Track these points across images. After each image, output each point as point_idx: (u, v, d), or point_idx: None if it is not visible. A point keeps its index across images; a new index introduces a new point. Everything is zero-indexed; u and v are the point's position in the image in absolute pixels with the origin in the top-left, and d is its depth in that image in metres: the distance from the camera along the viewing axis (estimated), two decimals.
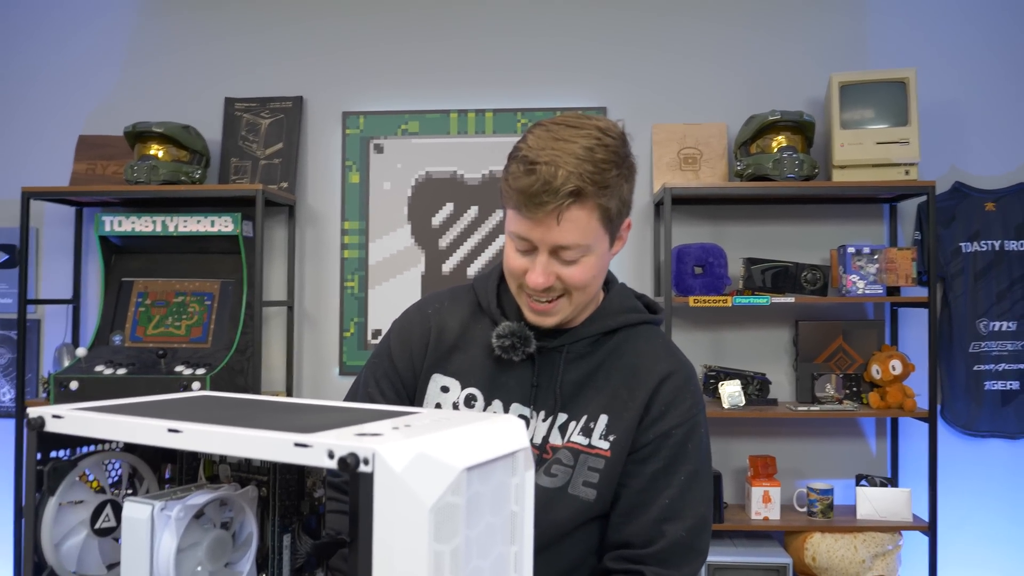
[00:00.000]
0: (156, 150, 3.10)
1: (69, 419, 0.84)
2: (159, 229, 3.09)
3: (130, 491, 0.96)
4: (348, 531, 0.93)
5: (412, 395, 1.34)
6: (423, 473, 0.66)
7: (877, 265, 2.93)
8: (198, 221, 3.08)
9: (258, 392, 2.93)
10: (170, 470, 1.00)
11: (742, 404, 2.92)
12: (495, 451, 0.76)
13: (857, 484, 3.00)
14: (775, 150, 2.93)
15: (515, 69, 3.32)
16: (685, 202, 3.19)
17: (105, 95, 3.46)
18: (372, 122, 3.35)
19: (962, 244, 3.16)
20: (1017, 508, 3.15)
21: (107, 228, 3.11)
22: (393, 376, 1.34)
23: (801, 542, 2.90)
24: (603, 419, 1.25)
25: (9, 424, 3.39)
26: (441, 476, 0.67)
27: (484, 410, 1.29)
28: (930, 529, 2.84)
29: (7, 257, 3.46)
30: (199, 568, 0.85)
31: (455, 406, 1.29)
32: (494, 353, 1.28)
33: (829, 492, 2.93)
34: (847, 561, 2.84)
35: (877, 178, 2.92)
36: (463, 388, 1.30)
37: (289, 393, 3.25)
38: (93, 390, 2.88)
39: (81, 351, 2.97)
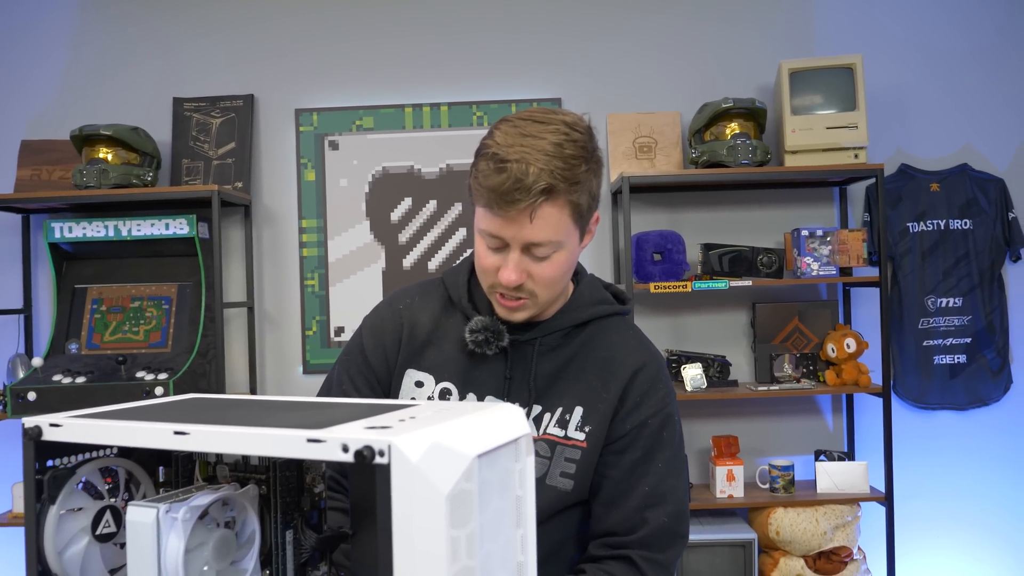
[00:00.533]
0: (105, 153, 3.04)
1: (68, 427, 0.84)
2: (111, 234, 3.04)
3: (126, 496, 0.95)
4: (349, 525, 0.95)
5: (387, 390, 1.35)
6: (438, 462, 0.68)
7: (830, 247, 3.01)
8: (152, 224, 3.03)
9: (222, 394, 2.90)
10: (163, 473, 1.00)
11: (704, 387, 2.99)
12: (500, 438, 0.78)
13: (816, 459, 3.09)
14: (729, 137, 2.99)
15: (469, 62, 3.33)
16: (642, 190, 3.24)
17: (48, 99, 3.38)
18: (326, 119, 3.33)
19: (909, 224, 3.27)
20: (967, 476, 3.28)
21: (57, 235, 3.04)
22: (367, 372, 1.35)
23: (765, 517, 2.98)
24: (578, 411, 1.27)
25: None
26: (455, 464, 0.69)
27: None
28: (886, 499, 2.95)
29: None
30: (206, 568, 0.86)
31: (430, 400, 1.30)
32: (467, 347, 1.29)
33: (790, 468, 3.02)
34: (809, 534, 2.92)
35: (828, 162, 3.00)
36: (437, 382, 1.31)
37: (254, 394, 3.22)
38: (52, 400, 2.82)
39: (37, 361, 2.90)
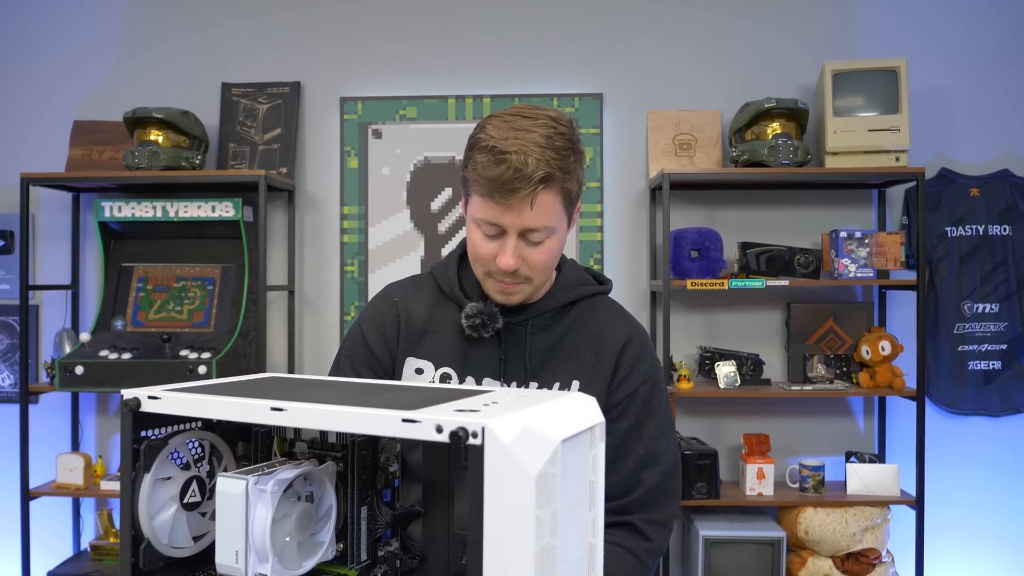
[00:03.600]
0: (156, 136, 3.10)
1: (166, 400, 0.88)
2: (159, 215, 3.10)
3: (207, 468, 1.00)
4: (421, 503, 0.99)
5: (391, 379, 1.41)
6: (528, 445, 0.72)
7: (867, 249, 3.02)
8: (199, 207, 3.09)
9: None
10: (242, 447, 1.05)
11: (737, 384, 3.01)
12: (579, 425, 0.81)
13: (847, 461, 3.10)
14: (770, 137, 3.00)
15: (512, 55, 3.36)
16: (681, 187, 3.26)
17: (99, 81, 3.45)
18: (370, 107, 3.37)
19: (948, 229, 3.27)
20: (999, 483, 3.27)
21: (107, 214, 3.11)
22: (372, 363, 1.42)
23: (794, 517, 3.00)
24: (575, 385, 1.35)
25: (11, 409, 3.39)
26: (543, 448, 0.73)
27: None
28: (917, 503, 2.96)
29: (3, 243, 3.45)
30: (288, 538, 0.90)
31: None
32: (463, 333, 1.36)
33: (820, 468, 3.03)
34: (838, 534, 2.94)
35: (868, 164, 3.00)
36: (437, 368, 1.38)
37: None
38: (98, 374, 2.90)
39: (85, 336, 2.98)
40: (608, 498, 1.31)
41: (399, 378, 1.39)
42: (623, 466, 1.32)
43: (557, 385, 1.35)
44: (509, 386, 1.35)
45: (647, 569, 1.30)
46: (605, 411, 1.32)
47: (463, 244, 1.45)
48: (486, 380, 1.36)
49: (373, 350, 1.41)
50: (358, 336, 1.44)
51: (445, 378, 1.37)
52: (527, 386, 1.35)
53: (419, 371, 1.38)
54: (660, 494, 1.33)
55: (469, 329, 1.34)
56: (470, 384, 1.36)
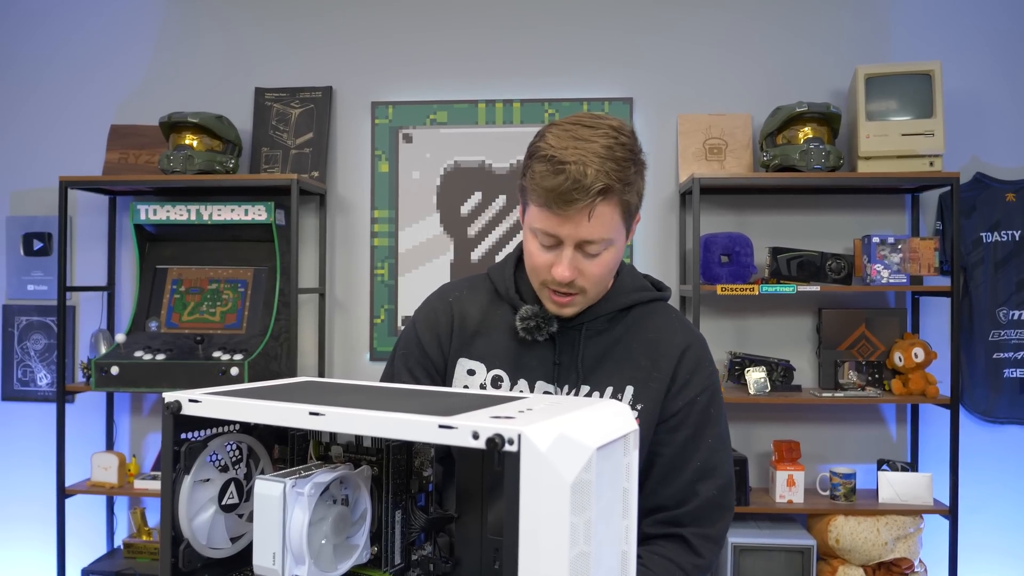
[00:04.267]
0: (191, 140, 3.15)
1: (206, 403, 0.90)
2: (193, 218, 3.15)
3: (245, 471, 1.02)
4: (455, 507, 1.00)
5: (443, 379, 1.42)
6: (564, 452, 0.72)
7: (901, 255, 2.98)
8: (232, 210, 3.13)
9: (293, 376, 2.99)
10: (278, 451, 1.06)
11: (767, 390, 2.99)
12: (614, 433, 0.82)
13: (879, 469, 3.07)
14: (801, 141, 2.98)
15: (542, 59, 3.37)
16: (711, 192, 3.24)
17: (136, 85, 3.51)
18: (401, 112, 3.40)
19: (983, 234, 3.22)
20: None
21: (142, 217, 3.16)
22: (426, 363, 1.41)
23: (825, 524, 2.98)
24: (629, 390, 1.33)
25: (48, 408, 3.46)
26: (578, 455, 0.73)
27: (510, 390, 1.36)
28: (951, 513, 2.92)
29: (41, 245, 3.52)
30: (324, 541, 0.92)
31: (482, 387, 1.37)
32: (517, 336, 1.35)
33: (852, 476, 3.00)
34: (870, 543, 2.91)
35: (902, 169, 2.97)
36: (489, 370, 1.37)
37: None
38: (133, 375, 2.95)
39: (120, 337, 3.03)
40: (661, 508, 1.31)
41: (451, 377, 1.39)
42: (679, 476, 1.31)
43: (610, 390, 1.33)
44: (561, 390, 1.34)
45: None
46: (661, 420, 1.33)
47: (520, 247, 1.44)
48: (538, 383, 1.35)
49: (427, 350, 1.41)
50: (412, 336, 1.44)
51: (497, 380, 1.36)
52: (579, 390, 1.33)
53: (471, 372, 1.38)
54: (715, 508, 1.31)
55: (523, 332, 1.33)
56: (522, 387, 1.35)
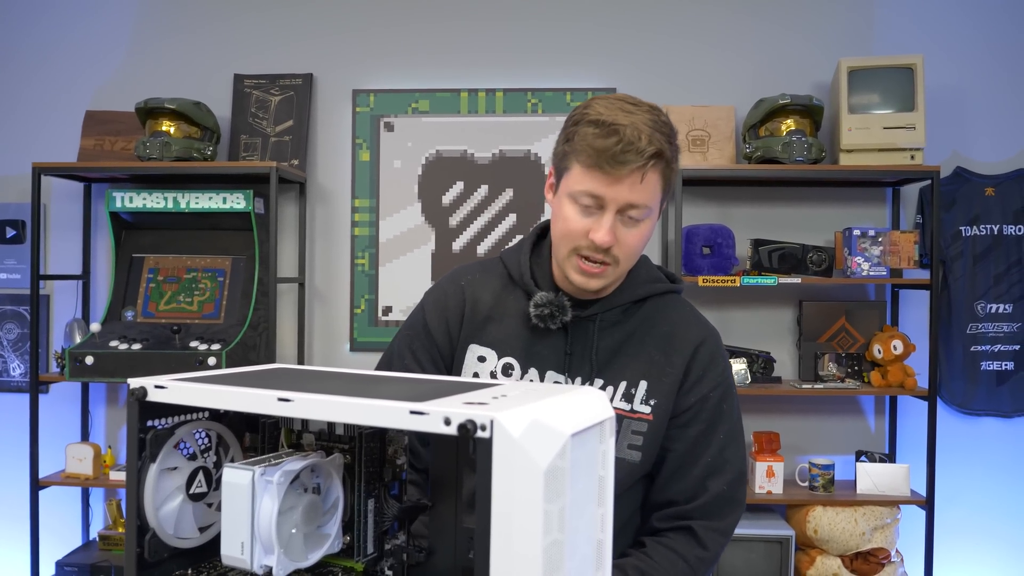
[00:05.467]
0: (168, 126, 3.10)
1: (172, 389, 0.88)
2: (170, 205, 3.10)
3: (214, 459, 1.00)
4: (428, 497, 0.98)
5: (449, 365, 1.39)
6: (537, 438, 0.71)
7: (881, 248, 2.99)
8: (210, 198, 3.09)
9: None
10: (249, 439, 1.04)
11: (748, 382, 2.99)
12: (589, 419, 0.80)
13: (857, 460, 3.08)
14: (784, 133, 2.98)
15: (525, 49, 3.34)
16: (693, 183, 3.24)
17: (112, 71, 3.45)
18: (382, 100, 3.36)
19: (962, 228, 3.24)
20: (1010, 484, 3.25)
21: (118, 204, 3.11)
22: (430, 347, 1.39)
23: (803, 515, 2.99)
24: (643, 384, 1.31)
25: (21, 399, 3.40)
26: (552, 441, 0.72)
27: (521, 378, 1.34)
28: (927, 503, 2.94)
29: (14, 233, 3.46)
30: (294, 530, 0.90)
31: (492, 375, 1.34)
32: (529, 323, 1.33)
33: (830, 467, 3.02)
34: (848, 533, 2.92)
35: (883, 162, 2.97)
36: (500, 357, 1.34)
37: None
38: (108, 365, 2.91)
39: (95, 326, 2.98)
40: (671, 503, 1.30)
41: (460, 364, 1.36)
42: (690, 472, 1.30)
43: (624, 384, 1.31)
44: (573, 381, 1.32)
45: None
46: (674, 415, 1.32)
47: (535, 232, 1.42)
48: (549, 373, 1.32)
49: (433, 334, 1.38)
50: (419, 319, 1.41)
51: (508, 368, 1.33)
52: (592, 382, 1.31)
53: (481, 359, 1.35)
54: (725, 502, 1.30)
55: (536, 319, 1.31)
56: (532, 376, 1.33)
